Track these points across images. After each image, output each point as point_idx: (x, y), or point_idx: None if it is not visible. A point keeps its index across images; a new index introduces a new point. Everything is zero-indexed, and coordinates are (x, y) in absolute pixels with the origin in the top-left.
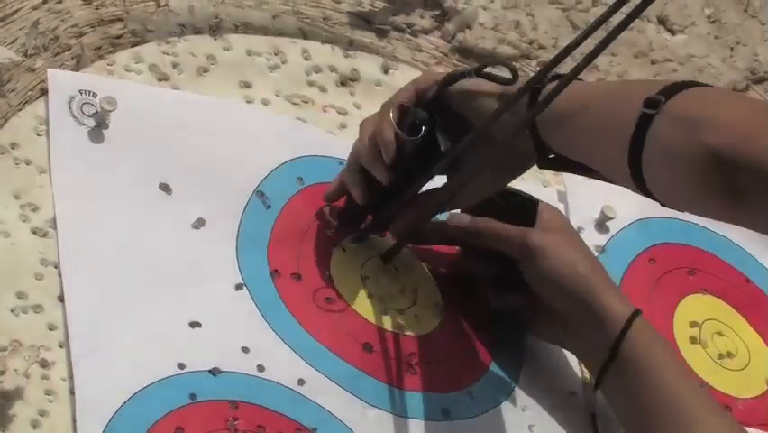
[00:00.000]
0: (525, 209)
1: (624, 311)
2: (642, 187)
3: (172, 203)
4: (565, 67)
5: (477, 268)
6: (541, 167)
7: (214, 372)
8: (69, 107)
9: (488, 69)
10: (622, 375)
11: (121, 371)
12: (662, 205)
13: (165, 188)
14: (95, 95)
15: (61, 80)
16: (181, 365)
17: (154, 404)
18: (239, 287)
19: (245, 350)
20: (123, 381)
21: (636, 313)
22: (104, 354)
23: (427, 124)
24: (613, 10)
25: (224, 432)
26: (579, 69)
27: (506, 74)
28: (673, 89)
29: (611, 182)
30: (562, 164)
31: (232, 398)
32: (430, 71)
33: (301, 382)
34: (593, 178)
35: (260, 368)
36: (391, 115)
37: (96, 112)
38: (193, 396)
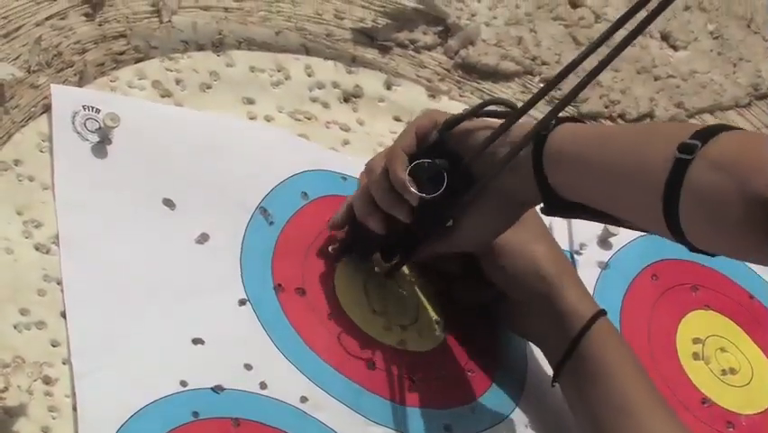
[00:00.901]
0: None
1: (586, 311)
2: (676, 233)
3: (175, 218)
4: (568, 84)
5: (448, 263)
6: (547, 213)
7: (216, 389)
8: (73, 123)
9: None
10: (577, 372)
11: (123, 388)
12: (692, 250)
13: (168, 203)
14: (98, 111)
15: (64, 96)
16: (184, 383)
17: (157, 422)
18: (242, 302)
19: (248, 367)
20: (125, 398)
21: (600, 314)
22: (106, 371)
23: (446, 170)
24: (611, 31)
25: None
26: (582, 84)
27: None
28: (707, 133)
29: (633, 229)
30: (570, 210)
31: (234, 415)
32: (430, 112)
33: (304, 399)
34: (605, 223)
35: (263, 385)
36: (407, 173)
37: (100, 128)
38: (195, 414)
